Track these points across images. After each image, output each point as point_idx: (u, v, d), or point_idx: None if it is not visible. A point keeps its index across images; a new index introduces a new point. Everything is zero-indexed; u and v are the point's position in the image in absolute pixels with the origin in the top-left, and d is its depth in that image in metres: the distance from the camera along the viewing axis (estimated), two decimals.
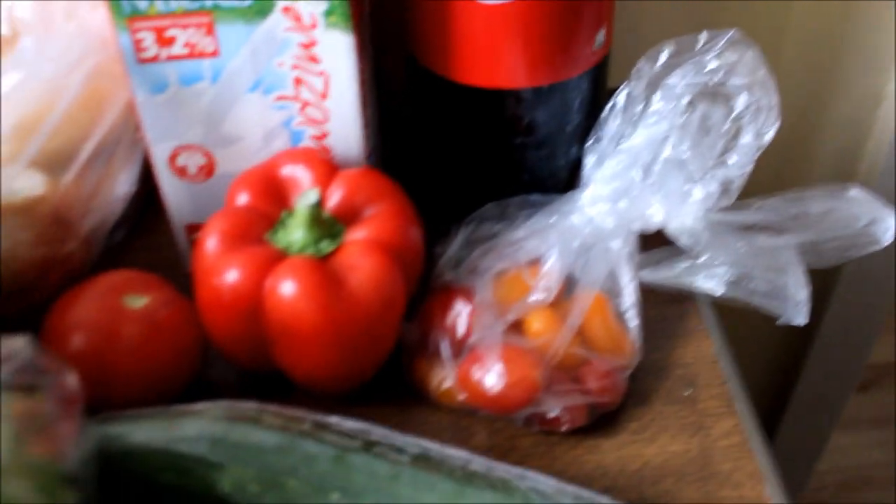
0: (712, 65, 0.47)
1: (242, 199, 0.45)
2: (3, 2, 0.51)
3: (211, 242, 0.43)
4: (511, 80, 0.49)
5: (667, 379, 0.48)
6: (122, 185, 0.51)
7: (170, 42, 0.44)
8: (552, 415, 0.44)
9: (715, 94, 0.47)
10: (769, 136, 0.47)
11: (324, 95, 0.46)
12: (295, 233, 0.43)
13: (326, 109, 0.47)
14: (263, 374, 0.46)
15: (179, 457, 0.36)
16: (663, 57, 0.48)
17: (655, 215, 0.48)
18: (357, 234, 0.44)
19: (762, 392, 1.01)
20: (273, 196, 0.45)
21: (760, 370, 0.98)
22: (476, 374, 0.44)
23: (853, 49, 0.72)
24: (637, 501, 0.42)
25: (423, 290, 0.48)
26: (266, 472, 0.36)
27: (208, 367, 0.47)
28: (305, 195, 0.43)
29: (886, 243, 0.45)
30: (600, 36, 0.49)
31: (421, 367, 0.46)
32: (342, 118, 0.47)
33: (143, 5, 0.43)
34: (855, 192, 0.46)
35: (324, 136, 0.48)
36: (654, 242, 0.49)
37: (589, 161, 0.50)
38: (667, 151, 0.48)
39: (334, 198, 0.45)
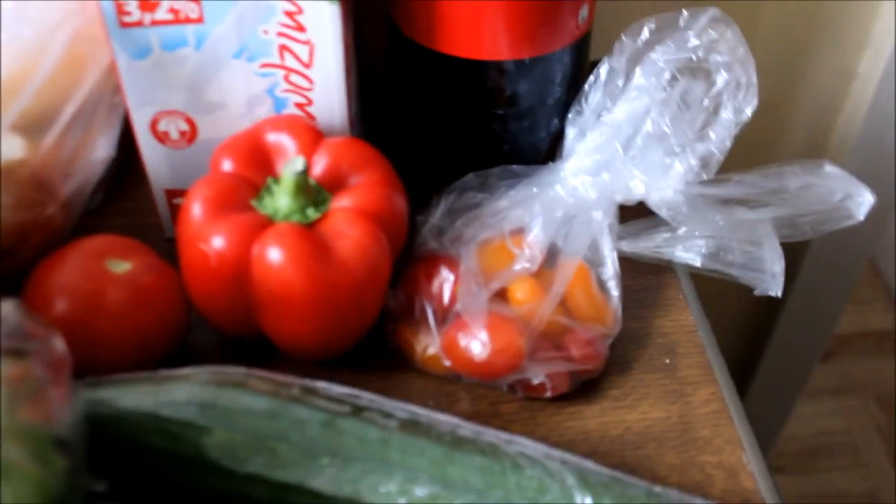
0: (693, 42, 0.47)
1: (227, 165, 0.45)
2: None
3: (196, 208, 0.43)
4: (495, 52, 0.49)
5: (647, 347, 0.49)
6: (102, 148, 0.50)
7: (154, 7, 0.43)
8: (536, 381, 0.45)
9: (695, 70, 0.48)
10: (748, 112, 0.47)
11: (308, 64, 0.46)
12: (281, 199, 0.43)
13: (311, 78, 0.47)
14: (247, 340, 0.46)
15: (168, 421, 0.36)
16: (645, 33, 0.48)
17: (637, 188, 0.48)
18: (343, 202, 0.44)
19: (730, 363, 1.02)
20: (258, 163, 0.45)
21: (731, 342, 1.00)
22: (462, 341, 0.44)
23: (826, 26, 0.73)
24: (619, 466, 0.43)
25: (406, 257, 0.48)
26: (255, 437, 0.36)
27: (190, 333, 0.47)
28: (292, 162, 0.43)
29: (861, 218, 0.46)
30: (584, 10, 0.49)
31: (405, 333, 0.46)
32: (326, 86, 0.47)
33: None
34: (830, 168, 0.47)
35: (308, 103, 0.48)
36: (635, 214, 0.49)
37: (571, 133, 0.50)
38: (648, 125, 0.48)
39: (319, 165, 0.45)
